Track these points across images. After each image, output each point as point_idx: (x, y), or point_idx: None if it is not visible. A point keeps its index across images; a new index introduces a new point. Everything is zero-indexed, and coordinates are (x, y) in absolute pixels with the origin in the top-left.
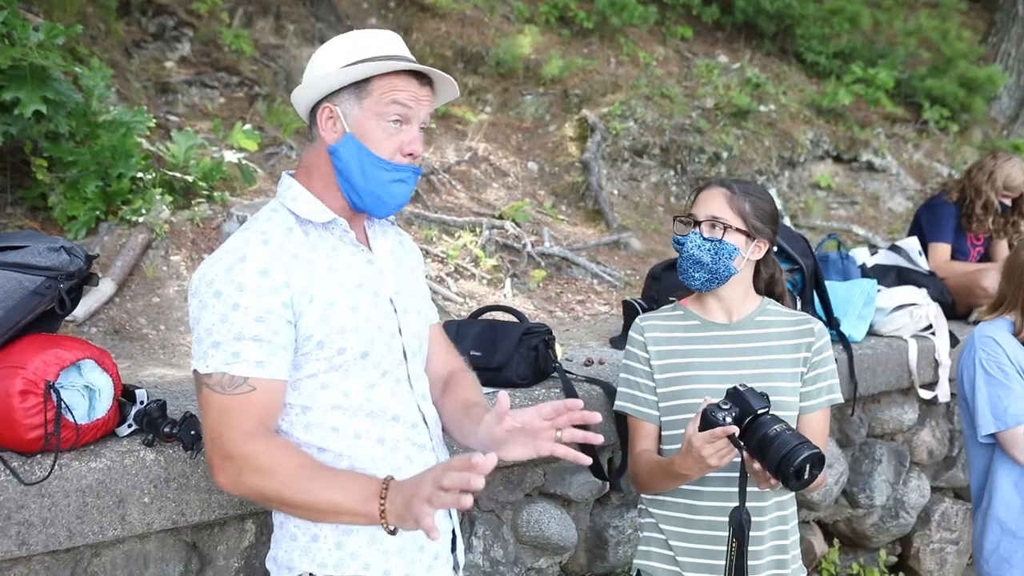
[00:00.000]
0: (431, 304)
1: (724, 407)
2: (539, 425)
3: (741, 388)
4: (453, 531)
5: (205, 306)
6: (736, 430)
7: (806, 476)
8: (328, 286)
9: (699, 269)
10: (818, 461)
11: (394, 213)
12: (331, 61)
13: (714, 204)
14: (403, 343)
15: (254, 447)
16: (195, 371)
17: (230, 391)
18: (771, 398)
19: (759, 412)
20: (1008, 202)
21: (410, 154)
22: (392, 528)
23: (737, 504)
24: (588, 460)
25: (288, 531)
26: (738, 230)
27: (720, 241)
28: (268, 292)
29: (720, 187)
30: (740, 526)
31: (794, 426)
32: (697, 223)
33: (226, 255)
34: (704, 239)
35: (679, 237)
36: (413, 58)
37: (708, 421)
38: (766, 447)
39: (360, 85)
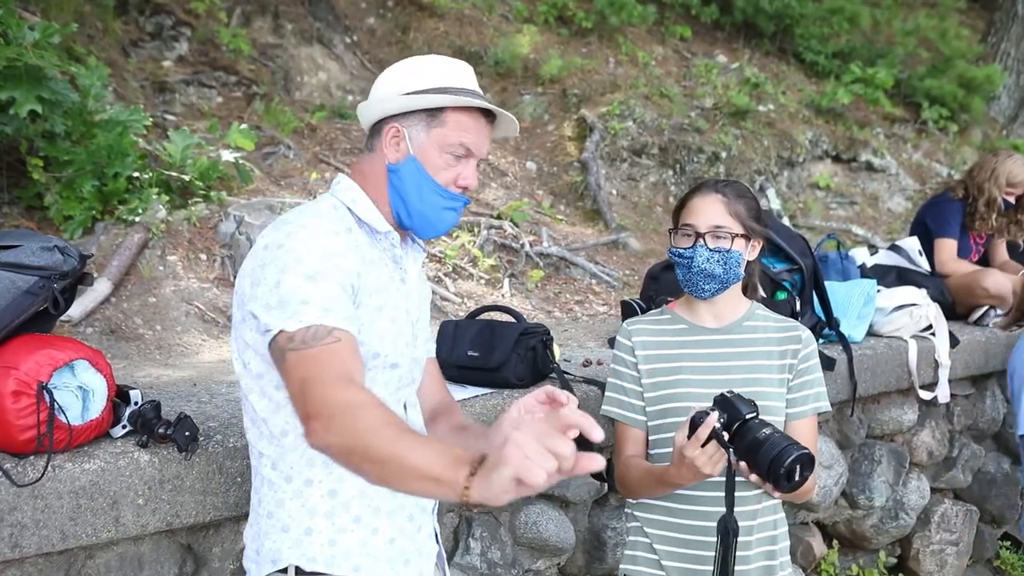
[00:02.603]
0: (432, 337)
1: (711, 413)
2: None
3: (728, 395)
4: (439, 554)
5: (286, 270)
6: (716, 416)
7: (797, 477)
8: (378, 291)
9: (711, 281)
10: (808, 462)
11: (438, 237)
12: (406, 82)
13: (713, 212)
14: (412, 369)
15: (346, 394)
16: (279, 334)
17: (316, 344)
18: (758, 403)
19: (747, 417)
20: (1012, 199)
21: (464, 187)
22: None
23: (726, 511)
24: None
25: (280, 521)
26: (741, 236)
27: (728, 251)
28: (344, 272)
29: (714, 193)
30: (727, 534)
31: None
32: (700, 234)
33: (300, 230)
34: (711, 250)
35: (682, 251)
36: (482, 92)
37: (696, 429)
38: (755, 450)
39: (433, 113)
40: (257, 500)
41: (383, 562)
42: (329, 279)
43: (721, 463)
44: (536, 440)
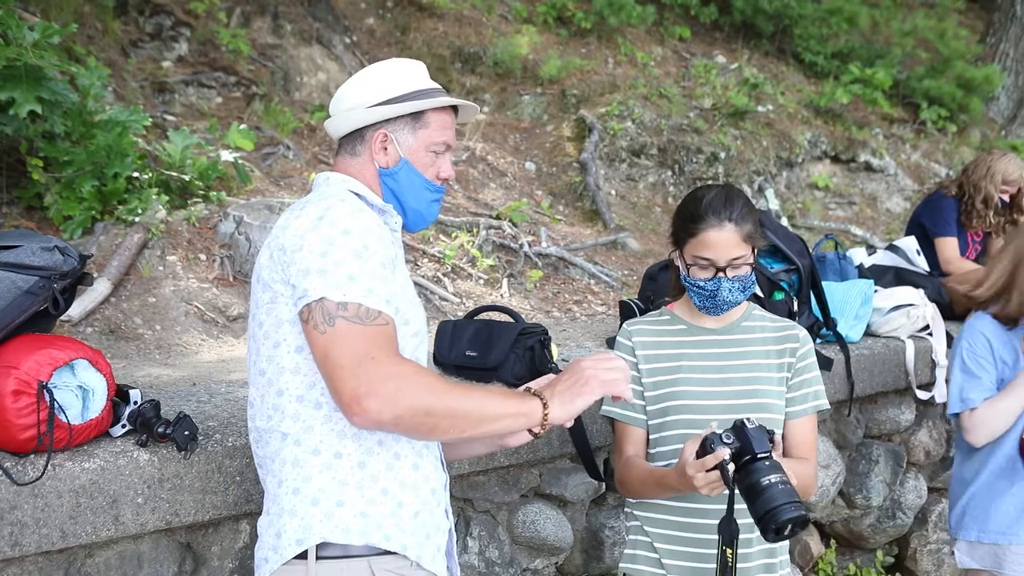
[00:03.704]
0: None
1: (727, 441)
2: None
3: (749, 424)
4: (451, 531)
5: (334, 241)
6: (727, 454)
7: (786, 533)
8: (400, 263)
9: (731, 305)
10: (802, 523)
11: (426, 228)
12: (380, 90)
13: (732, 244)
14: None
15: (409, 365)
16: (321, 300)
17: (370, 323)
18: (757, 402)
19: (759, 455)
20: (1007, 197)
21: (445, 179)
22: (539, 431)
23: (726, 514)
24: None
25: (308, 496)
26: (752, 254)
27: (748, 276)
28: (384, 244)
29: (728, 223)
30: (730, 537)
31: (781, 431)
32: (720, 268)
33: (339, 207)
34: (732, 280)
35: (702, 282)
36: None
37: (707, 451)
38: (755, 496)
39: (416, 116)
40: (277, 483)
41: (408, 534)
42: (373, 257)
43: (719, 490)
44: (600, 366)
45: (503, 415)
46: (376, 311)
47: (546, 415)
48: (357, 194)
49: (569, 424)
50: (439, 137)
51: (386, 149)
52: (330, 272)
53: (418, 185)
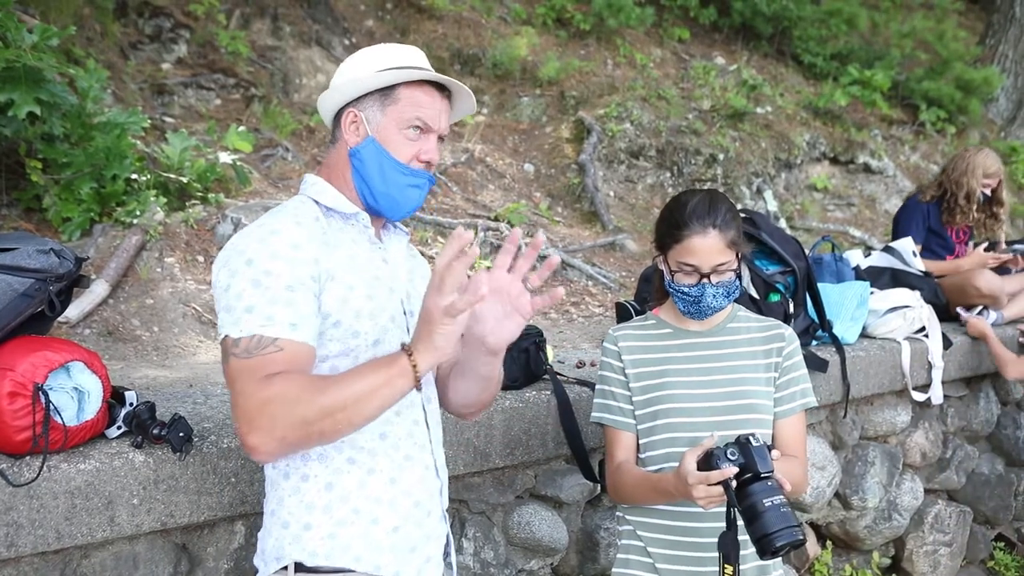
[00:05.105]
0: None
1: (731, 457)
2: (512, 288)
3: (754, 442)
4: (447, 536)
5: (236, 273)
6: (734, 471)
7: (782, 554)
8: (349, 271)
9: (715, 310)
10: (796, 545)
11: (406, 217)
12: (358, 68)
13: (716, 251)
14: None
15: (271, 388)
16: (224, 338)
17: (256, 353)
18: (745, 403)
19: (762, 474)
20: (988, 191)
21: (427, 162)
22: (419, 384)
23: (727, 529)
24: (561, 292)
25: (280, 519)
26: (737, 259)
27: (732, 281)
28: (299, 263)
29: (712, 229)
30: (728, 553)
31: (771, 432)
32: (704, 275)
33: (257, 229)
34: (716, 285)
35: (686, 288)
36: (433, 71)
37: (711, 465)
38: (754, 517)
39: (386, 92)
40: (264, 502)
41: (385, 551)
42: (276, 282)
43: (715, 503)
44: (431, 289)
45: (376, 386)
46: (270, 339)
47: (415, 365)
48: (316, 200)
49: (442, 357)
50: (410, 112)
51: (357, 129)
52: (232, 308)
53: (387, 166)
